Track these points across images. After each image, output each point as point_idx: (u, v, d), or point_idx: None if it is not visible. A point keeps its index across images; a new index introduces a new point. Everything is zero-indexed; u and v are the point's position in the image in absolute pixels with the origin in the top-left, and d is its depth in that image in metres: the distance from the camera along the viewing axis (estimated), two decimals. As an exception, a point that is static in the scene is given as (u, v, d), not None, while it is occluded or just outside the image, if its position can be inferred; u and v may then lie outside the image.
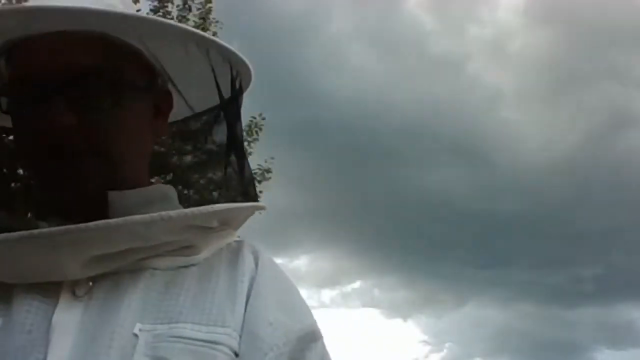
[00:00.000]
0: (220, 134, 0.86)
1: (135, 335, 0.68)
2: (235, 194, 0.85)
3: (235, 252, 0.80)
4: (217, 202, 0.84)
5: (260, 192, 9.55)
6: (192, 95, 0.89)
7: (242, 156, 0.86)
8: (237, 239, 0.83)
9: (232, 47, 0.80)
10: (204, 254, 0.77)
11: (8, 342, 0.67)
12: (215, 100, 0.84)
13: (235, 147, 0.85)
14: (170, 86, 0.86)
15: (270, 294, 0.77)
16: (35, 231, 0.68)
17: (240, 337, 0.72)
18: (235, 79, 0.82)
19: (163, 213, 0.70)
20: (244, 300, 0.74)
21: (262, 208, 0.83)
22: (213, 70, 0.81)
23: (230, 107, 0.84)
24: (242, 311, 0.74)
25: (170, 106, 0.85)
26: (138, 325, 0.68)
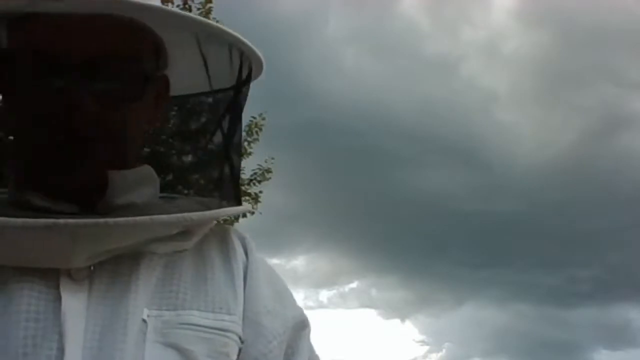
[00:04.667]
0: (220, 132, 0.84)
1: (144, 321, 0.68)
2: (228, 195, 0.83)
3: (223, 238, 0.81)
4: (218, 202, 0.82)
5: (260, 192, 9.55)
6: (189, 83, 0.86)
7: (238, 157, 0.84)
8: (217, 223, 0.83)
9: (240, 36, 0.77)
10: (194, 239, 0.78)
11: (13, 330, 0.65)
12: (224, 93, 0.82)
13: (232, 146, 0.83)
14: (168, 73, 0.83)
15: (264, 282, 0.79)
16: (61, 221, 0.66)
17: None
18: (242, 69, 0.80)
19: (185, 215, 0.71)
20: (242, 288, 0.77)
21: (250, 212, 0.86)
22: (219, 62, 0.79)
23: (234, 100, 0.82)
24: (242, 299, 0.76)
25: (167, 94, 0.84)
26: (146, 311, 0.69)
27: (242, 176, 9.54)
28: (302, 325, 0.81)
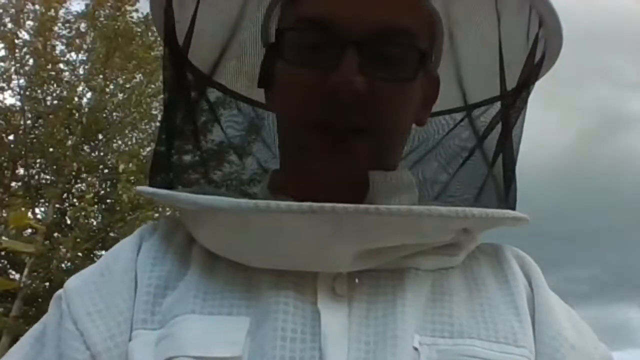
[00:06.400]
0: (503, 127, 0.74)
1: (415, 349, 0.58)
2: (497, 200, 0.72)
3: (494, 255, 0.70)
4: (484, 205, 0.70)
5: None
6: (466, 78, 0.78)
7: (515, 155, 0.73)
8: (484, 242, 0.72)
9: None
10: (462, 256, 0.67)
11: (269, 350, 0.56)
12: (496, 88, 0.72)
13: (512, 143, 0.73)
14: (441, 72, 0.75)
15: (559, 311, 0.66)
16: (328, 205, 0.56)
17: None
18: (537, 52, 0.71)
19: (467, 209, 0.60)
20: (528, 315, 0.64)
21: (526, 221, 0.69)
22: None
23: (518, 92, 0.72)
24: (531, 328, 0.63)
25: (436, 95, 0.74)
26: (417, 338, 0.58)
27: (242, 177, 9.40)
28: None
